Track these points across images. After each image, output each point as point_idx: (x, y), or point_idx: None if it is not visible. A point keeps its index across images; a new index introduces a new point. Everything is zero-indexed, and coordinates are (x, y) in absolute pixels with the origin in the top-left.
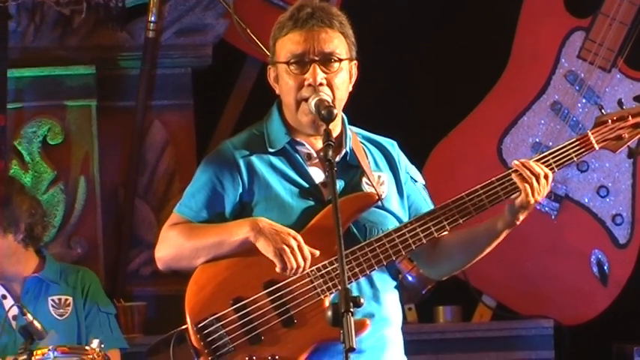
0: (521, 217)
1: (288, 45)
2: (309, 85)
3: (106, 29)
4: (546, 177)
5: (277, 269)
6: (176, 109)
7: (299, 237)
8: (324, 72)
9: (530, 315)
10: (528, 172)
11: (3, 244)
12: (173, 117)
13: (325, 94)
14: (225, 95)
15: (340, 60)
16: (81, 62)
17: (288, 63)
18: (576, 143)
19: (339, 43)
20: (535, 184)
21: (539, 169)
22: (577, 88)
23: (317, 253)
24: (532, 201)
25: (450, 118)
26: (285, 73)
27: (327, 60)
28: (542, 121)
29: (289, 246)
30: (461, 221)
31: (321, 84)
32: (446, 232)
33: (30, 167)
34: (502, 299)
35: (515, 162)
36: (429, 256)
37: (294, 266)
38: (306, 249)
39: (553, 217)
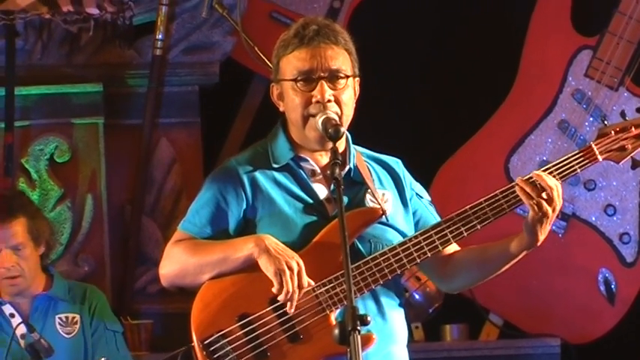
0: (541, 236)
1: (294, 62)
2: (317, 102)
3: (114, 47)
4: (557, 189)
5: (274, 289)
6: (183, 126)
7: (301, 263)
8: (331, 88)
9: (537, 333)
10: (529, 189)
11: (34, 257)
12: (180, 135)
13: (332, 111)
14: (233, 113)
15: (347, 76)
16: (88, 80)
17: (295, 80)
18: (580, 155)
19: (344, 59)
20: (542, 197)
21: (547, 182)
22: (584, 106)
23: (313, 283)
24: (545, 215)
25: (457, 136)
26: (292, 90)
27: (333, 77)
28: (550, 140)
29: (290, 269)
30: (465, 234)
31: (329, 100)
32: (451, 245)
33: (37, 185)
34: (509, 318)
35: (520, 178)
36: (442, 272)
37: (291, 290)
38: (305, 278)
39: (560, 235)
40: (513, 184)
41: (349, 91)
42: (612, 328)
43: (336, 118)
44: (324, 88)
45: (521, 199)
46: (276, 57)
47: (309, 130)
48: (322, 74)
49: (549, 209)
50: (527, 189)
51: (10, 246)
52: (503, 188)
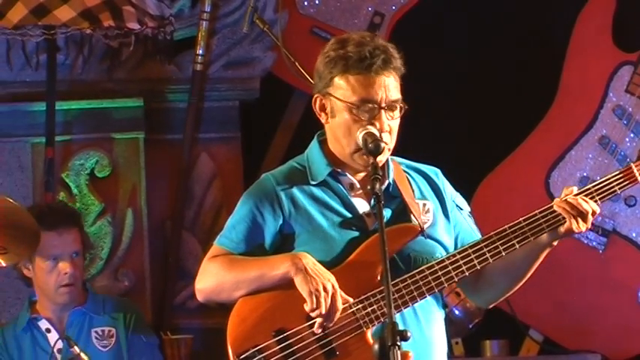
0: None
1: (357, 86)
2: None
3: (154, 62)
4: (594, 214)
5: (307, 308)
6: (223, 142)
7: (337, 285)
8: (387, 119)
9: (577, 350)
10: (569, 208)
11: (83, 267)
12: (220, 150)
13: (385, 141)
14: (273, 128)
15: (402, 108)
16: (129, 95)
17: (357, 106)
18: (619, 176)
19: (398, 88)
20: (580, 219)
21: (587, 207)
22: (625, 122)
23: (350, 300)
24: (578, 232)
25: (497, 151)
26: (347, 112)
27: (392, 107)
28: (590, 156)
29: (326, 290)
30: (504, 253)
31: (386, 131)
32: (488, 264)
33: (77, 199)
34: (549, 333)
35: (559, 198)
36: (474, 285)
37: (324, 311)
38: (340, 300)
39: (601, 251)
40: (552, 204)
41: (398, 120)
42: None
43: (377, 133)
44: (384, 119)
45: (560, 220)
46: (329, 70)
47: (359, 157)
48: (384, 105)
49: (583, 229)
50: (567, 207)
51: (69, 253)
52: (542, 208)
